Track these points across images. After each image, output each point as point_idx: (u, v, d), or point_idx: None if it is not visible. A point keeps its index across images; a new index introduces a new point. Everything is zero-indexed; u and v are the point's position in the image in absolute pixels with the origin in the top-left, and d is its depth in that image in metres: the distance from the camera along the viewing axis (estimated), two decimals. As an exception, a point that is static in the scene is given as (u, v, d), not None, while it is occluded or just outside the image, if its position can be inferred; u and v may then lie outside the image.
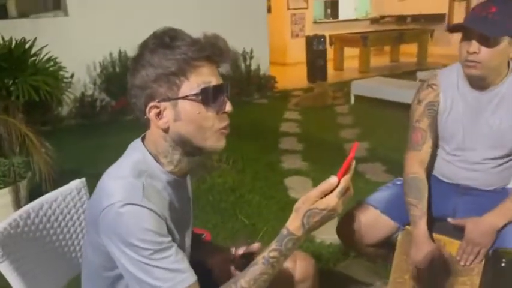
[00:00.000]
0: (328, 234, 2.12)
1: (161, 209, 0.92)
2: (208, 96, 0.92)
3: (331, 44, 8.18)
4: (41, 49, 3.80)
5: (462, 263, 1.47)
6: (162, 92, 0.92)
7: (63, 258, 1.22)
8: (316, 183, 3.20)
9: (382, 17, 10.67)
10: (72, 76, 4.97)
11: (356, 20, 10.45)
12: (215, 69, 0.95)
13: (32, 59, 3.75)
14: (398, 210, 1.62)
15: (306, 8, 9.57)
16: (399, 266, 1.68)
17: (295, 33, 9.39)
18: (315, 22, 9.78)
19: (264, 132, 4.65)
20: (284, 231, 0.90)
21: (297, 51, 8.68)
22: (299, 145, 4.24)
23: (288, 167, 3.61)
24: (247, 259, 1.08)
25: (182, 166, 0.99)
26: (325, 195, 0.87)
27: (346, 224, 1.69)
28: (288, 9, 9.35)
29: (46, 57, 3.84)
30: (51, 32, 4.83)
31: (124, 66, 5.46)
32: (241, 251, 1.16)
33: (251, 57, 6.27)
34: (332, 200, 0.86)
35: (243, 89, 6.15)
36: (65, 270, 1.22)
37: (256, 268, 0.91)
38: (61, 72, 4.00)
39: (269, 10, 9.27)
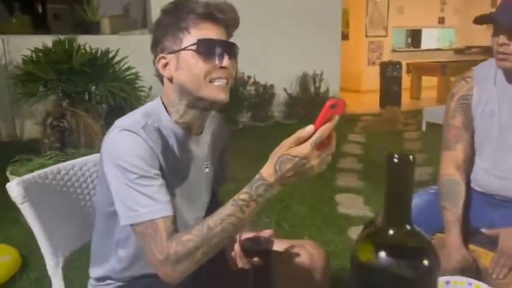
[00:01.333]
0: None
1: (157, 148, 0.99)
2: (203, 47, 0.99)
3: (408, 72, 7.94)
4: (122, 59, 4.17)
5: (494, 276, 1.33)
6: (169, 46, 1.02)
7: (84, 220, 1.29)
8: (368, 201, 3.12)
9: (468, 48, 10.15)
10: (150, 89, 5.36)
11: (439, 49, 10.06)
12: (220, 29, 1.03)
13: (113, 67, 4.14)
14: (427, 219, 1.51)
15: (385, 36, 9.43)
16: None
17: (372, 60, 9.26)
18: (393, 50, 9.58)
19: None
20: (257, 176, 0.89)
21: (373, 79, 8.54)
22: (358, 165, 4.13)
23: (342, 184, 3.54)
24: (254, 242, 1.07)
25: (187, 118, 1.06)
26: (300, 144, 0.85)
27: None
28: (366, 36, 9.28)
29: (125, 66, 4.22)
30: (135, 47, 5.24)
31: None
32: (250, 234, 1.12)
33: (321, 80, 6.29)
34: (305, 147, 0.85)
35: (311, 110, 6.16)
36: (84, 232, 1.28)
37: (225, 209, 0.90)
38: (139, 81, 4.36)
39: (347, 37, 9.32)
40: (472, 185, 1.54)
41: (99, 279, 1.15)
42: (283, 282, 1.19)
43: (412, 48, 10.01)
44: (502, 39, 1.31)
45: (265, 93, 6.04)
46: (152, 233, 0.91)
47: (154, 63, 1.06)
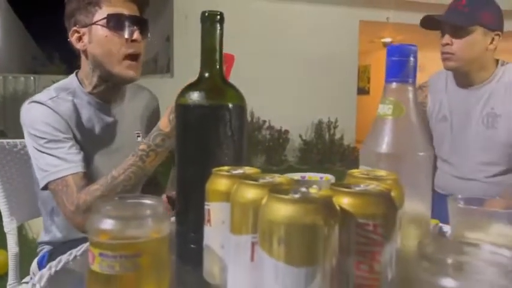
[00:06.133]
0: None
1: (69, 118, 1.06)
2: (113, 22, 1.05)
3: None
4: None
5: None
6: (81, 19, 1.08)
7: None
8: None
9: None
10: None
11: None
12: (131, 5, 1.09)
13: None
14: None
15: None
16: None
17: (393, 115, 9.29)
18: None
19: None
20: (154, 128, 0.96)
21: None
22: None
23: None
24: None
25: (101, 89, 1.12)
26: None
27: None
28: (387, 91, 9.40)
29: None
30: (156, 89, 5.57)
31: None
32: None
33: (335, 127, 6.37)
34: None
35: (325, 157, 6.20)
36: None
37: (127, 160, 0.97)
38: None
39: (367, 92, 9.50)
40: (435, 187, 1.55)
41: (43, 243, 1.21)
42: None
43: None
44: (446, 39, 1.40)
45: (280, 137, 6.15)
46: (63, 189, 0.98)
47: (68, 37, 1.11)
